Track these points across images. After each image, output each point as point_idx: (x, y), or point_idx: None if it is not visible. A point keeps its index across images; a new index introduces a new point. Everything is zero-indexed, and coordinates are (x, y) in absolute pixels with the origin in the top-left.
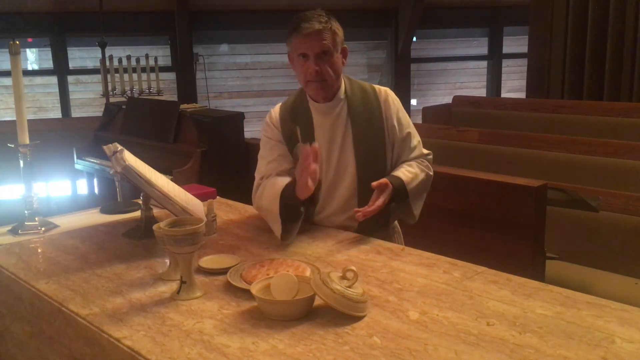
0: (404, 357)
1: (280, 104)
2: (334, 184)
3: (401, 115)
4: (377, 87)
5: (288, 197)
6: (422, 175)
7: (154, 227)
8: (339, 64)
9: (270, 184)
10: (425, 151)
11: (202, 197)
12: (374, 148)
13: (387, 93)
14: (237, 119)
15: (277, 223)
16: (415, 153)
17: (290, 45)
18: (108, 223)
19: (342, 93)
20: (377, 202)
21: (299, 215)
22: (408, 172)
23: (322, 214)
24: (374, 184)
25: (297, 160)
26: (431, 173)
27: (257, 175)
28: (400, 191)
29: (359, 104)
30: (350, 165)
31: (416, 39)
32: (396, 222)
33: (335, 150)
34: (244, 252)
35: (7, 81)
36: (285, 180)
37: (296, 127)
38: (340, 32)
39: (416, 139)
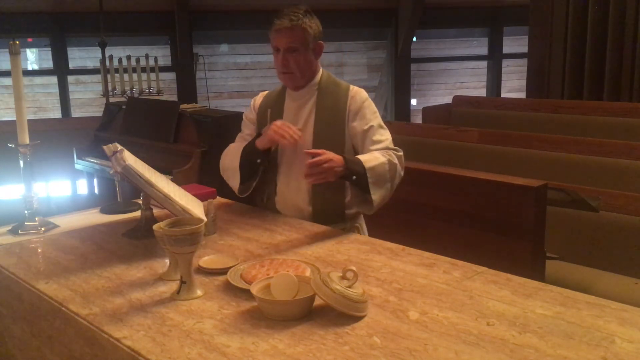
0: (404, 357)
1: (268, 91)
2: (290, 162)
3: (366, 111)
4: (352, 87)
5: (249, 151)
6: (382, 159)
7: (154, 227)
8: (308, 59)
9: (233, 147)
10: (393, 147)
11: (202, 197)
12: (332, 133)
13: (357, 92)
14: (237, 119)
15: (236, 176)
16: (378, 146)
17: (270, 39)
18: (108, 223)
19: (315, 84)
20: (323, 156)
21: (257, 169)
22: (367, 155)
23: (279, 195)
24: (308, 151)
25: None
26: (396, 162)
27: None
28: (356, 167)
29: (327, 95)
30: (308, 146)
31: (416, 39)
32: (362, 218)
33: (299, 130)
34: (244, 252)
35: (7, 81)
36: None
37: (268, 110)
38: (312, 29)
39: (382, 134)
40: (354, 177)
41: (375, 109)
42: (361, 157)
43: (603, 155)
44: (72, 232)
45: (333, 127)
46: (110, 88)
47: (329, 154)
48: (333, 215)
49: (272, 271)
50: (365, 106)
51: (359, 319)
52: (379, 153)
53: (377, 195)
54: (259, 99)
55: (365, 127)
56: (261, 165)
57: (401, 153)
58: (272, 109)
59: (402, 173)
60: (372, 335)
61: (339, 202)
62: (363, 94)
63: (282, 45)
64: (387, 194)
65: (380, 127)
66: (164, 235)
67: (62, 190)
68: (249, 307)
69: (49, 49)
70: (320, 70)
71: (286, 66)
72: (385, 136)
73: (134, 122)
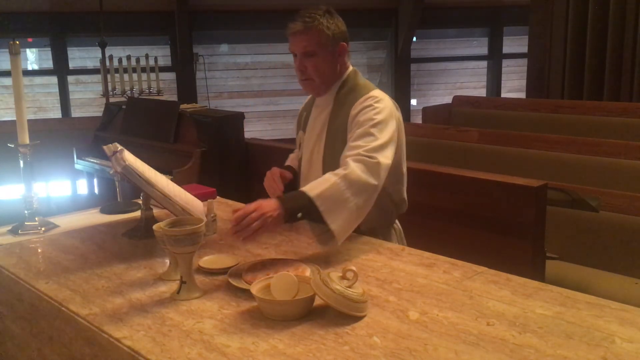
0: (404, 357)
1: None
2: (305, 174)
3: (361, 118)
4: (373, 93)
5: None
6: (333, 179)
7: (154, 227)
8: (328, 64)
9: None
10: (368, 154)
11: (202, 197)
12: (338, 144)
13: (366, 98)
14: (237, 119)
15: None
16: (351, 152)
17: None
18: (108, 223)
19: (335, 89)
20: (248, 206)
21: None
22: (312, 182)
23: None
24: (234, 210)
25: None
26: (359, 174)
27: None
28: (298, 201)
29: (342, 105)
30: (320, 157)
31: (416, 39)
32: (397, 222)
33: (311, 140)
34: (244, 252)
35: (7, 81)
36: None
37: (304, 113)
38: (331, 30)
39: (365, 140)
40: (299, 214)
41: (377, 115)
42: (304, 187)
43: (603, 155)
44: (72, 232)
45: (342, 143)
46: (110, 88)
47: (257, 202)
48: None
49: (272, 271)
50: (363, 112)
51: (359, 319)
52: (330, 173)
53: (337, 223)
54: (306, 100)
55: (353, 132)
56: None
57: (377, 160)
58: (307, 114)
59: (377, 182)
60: (372, 335)
61: None
62: (369, 100)
63: (298, 50)
64: (353, 217)
65: (367, 133)
66: (164, 235)
67: (62, 190)
68: (249, 307)
69: (49, 49)
70: (346, 72)
71: (304, 72)
72: (365, 143)
73: (134, 122)
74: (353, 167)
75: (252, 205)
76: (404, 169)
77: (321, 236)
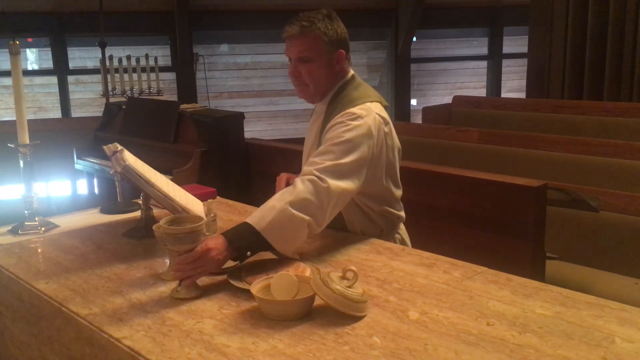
0: (404, 357)
1: None
2: None
3: (330, 134)
4: (355, 109)
5: None
6: (278, 205)
7: (154, 227)
8: (323, 71)
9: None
10: (320, 175)
11: (202, 197)
12: None
13: (346, 113)
14: (237, 119)
15: None
16: (307, 167)
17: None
18: (108, 223)
19: (329, 97)
20: (195, 250)
21: None
22: (256, 212)
23: None
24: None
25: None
26: (306, 196)
27: None
28: (246, 238)
29: (331, 113)
30: None
31: (416, 39)
32: (400, 232)
33: (307, 147)
34: None
35: (7, 81)
36: None
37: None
38: (329, 36)
39: (322, 157)
40: (248, 252)
41: (346, 133)
42: (249, 219)
43: (603, 155)
44: (72, 232)
45: None
46: (110, 88)
47: (203, 243)
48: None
49: (272, 271)
50: (333, 128)
51: (359, 319)
52: (274, 200)
53: (291, 248)
54: None
55: (320, 147)
56: None
57: (326, 185)
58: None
59: (324, 206)
60: (372, 335)
61: (342, 224)
62: (345, 117)
63: (293, 54)
64: (309, 233)
65: (328, 151)
66: (164, 233)
67: (62, 190)
68: (249, 307)
69: (49, 49)
70: (343, 80)
71: (297, 77)
72: (322, 161)
73: (134, 122)
74: (300, 190)
75: (198, 249)
76: (392, 188)
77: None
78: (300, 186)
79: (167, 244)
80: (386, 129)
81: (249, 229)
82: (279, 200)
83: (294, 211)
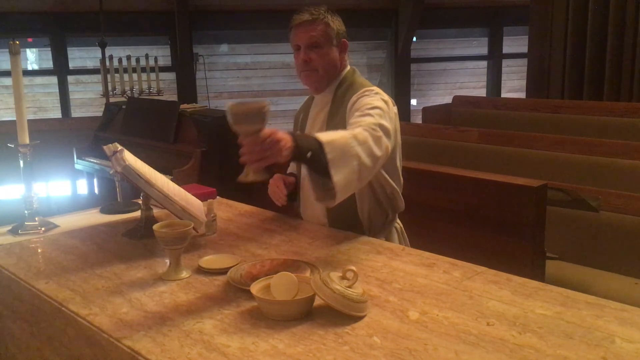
0: (404, 357)
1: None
2: (305, 175)
3: (359, 104)
4: (371, 88)
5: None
6: (345, 134)
7: (154, 227)
8: (332, 57)
9: None
10: (368, 126)
11: (202, 197)
12: None
13: (366, 90)
14: None
15: None
16: (354, 125)
17: (290, 40)
18: (108, 223)
19: (334, 87)
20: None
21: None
22: (325, 132)
23: (302, 205)
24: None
25: None
26: (367, 137)
27: None
28: (310, 142)
29: (340, 100)
30: None
31: (416, 39)
32: (398, 221)
33: None
34: (244, 252)
35: (7, 81)
36: None
37: (301, 114)
38: (335, 25)
39: (365, 118)
40: (309, 152)
41: (375, 101)
42: (316, 134)
43: (603, 155)
44: (72, 232)
45: None
46: (110, 88)
47: (271, 129)
48: (352, 228)
49: (272, 271)
50: (360, 99)
51: (359, 319)
52: (342, 130)
53: (339, 175)
54: (303, 103)
55: (356, 109)
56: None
57: (379, 134)
58: (304, 115)
59: (379, 153)
60: (372, 335)
61: (353, 210)
62: (367, 92)
63: (303, 41)
64: (354, 177)
65: (367, 114)
66: (231, 113)
67: (62, 190)
68: (249, 307)
69: (49, 49)
70: (346, 69)
71: (308, 63)
72: (368, 120)
73: (134, 122)
74: (361, 131)
75: (266, 132)
76: (398, 164)
77: (319, 192)
78: (360, 130)
79: (236, 124)
80: (395, 110)
81: (314, 137)
82: (345, 131)
83: (355, 143)
